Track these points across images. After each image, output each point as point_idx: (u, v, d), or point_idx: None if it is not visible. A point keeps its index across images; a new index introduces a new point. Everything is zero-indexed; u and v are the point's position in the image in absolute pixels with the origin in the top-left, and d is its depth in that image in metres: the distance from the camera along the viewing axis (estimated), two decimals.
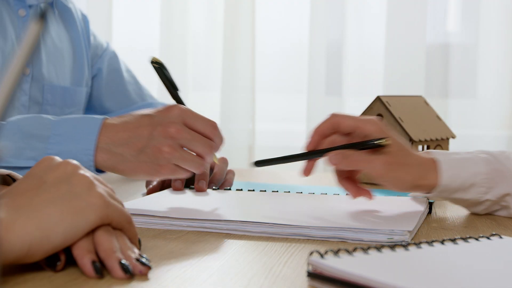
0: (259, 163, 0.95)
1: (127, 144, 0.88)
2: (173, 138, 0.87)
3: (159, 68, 0.94)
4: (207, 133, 0.89)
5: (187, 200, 0.96)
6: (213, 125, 0.90)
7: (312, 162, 0.90)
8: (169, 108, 0.90)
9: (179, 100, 0.95)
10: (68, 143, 0.89)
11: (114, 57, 1.47)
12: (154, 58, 0.93)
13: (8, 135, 0.89)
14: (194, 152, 0.88)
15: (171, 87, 0.95)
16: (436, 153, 0.89)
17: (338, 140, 0.89)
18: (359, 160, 0.84)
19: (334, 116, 0.88)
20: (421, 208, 0.88)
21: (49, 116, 0.94)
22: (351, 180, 0.90)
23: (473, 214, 0.94)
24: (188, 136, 0.88)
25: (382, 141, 0.84)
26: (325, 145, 0.89)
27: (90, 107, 1.45)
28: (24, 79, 1.25)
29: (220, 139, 0.91)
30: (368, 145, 0.85)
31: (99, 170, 0.91)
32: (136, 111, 0.93)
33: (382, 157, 0.84)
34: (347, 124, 0.87)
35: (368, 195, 0.89)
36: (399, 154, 0.85)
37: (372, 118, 0.88)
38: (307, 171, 0.90)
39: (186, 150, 0.88)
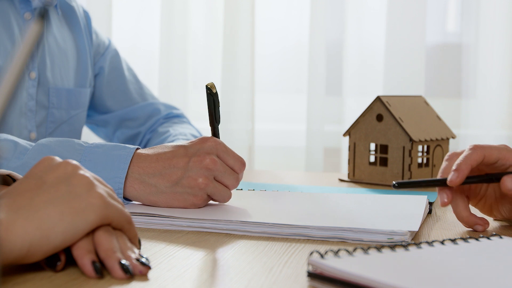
0: (400, 184, 0.88)
1: (161, 175, 0.88)
2: (208, 170, 0.87)
3: (212, 95, 0.93)
4: (235, 169, 0.91)
5: None
6: (242, 162, 0.92)
7: (451, 190, 0.85)
8: (204, 139, 0.91)
9: (215, 133, 0.95)
10: (98, 170, 0.88)
11: (116, 55, 1.47)
12: (211, 84, 0.92)
13: (38, 158, 0.88)
14: (224, 185, 0.90)
15: (214, 119, 0.94)
16: None
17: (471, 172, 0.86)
18: None
19: (481, 148, 0.85)
20: (422, 208, 0.88)
21: (81, 142, 0.93)
22: (472, 213, 0.86)
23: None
24: (222, 168, 0.89)
25: None
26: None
27: (92, 106, 1.45)
28: (30, 83, 1.26)
29: (242, 175, 0.93)
30: None
31: (127, 199, 0.90)
32: (169, 143, 0.93)
33: None
34: (494, 156, 0.85)
35: (487, 223, 0.86)
36: None
37: (506, 146, 0.86)
38: (448, 202, 0.85)
39: (218, 182, 0.89)
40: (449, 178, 0.83)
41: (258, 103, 2.09)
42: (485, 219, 0.85)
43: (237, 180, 0.91)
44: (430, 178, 0.88)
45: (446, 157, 0.88)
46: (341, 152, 2.09)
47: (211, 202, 0.93)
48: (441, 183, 0.85)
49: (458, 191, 0.85)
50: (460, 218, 0.85)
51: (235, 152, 0.92)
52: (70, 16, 1.37)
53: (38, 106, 1.27)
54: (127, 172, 0.88)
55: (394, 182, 0.87)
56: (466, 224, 0.85)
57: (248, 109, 2.07)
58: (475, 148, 0.85)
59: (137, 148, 0.91)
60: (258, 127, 2.10)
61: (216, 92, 0.93)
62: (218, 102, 0.94)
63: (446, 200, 0.85)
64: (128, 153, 0.89)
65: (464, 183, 0.84)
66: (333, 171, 2.11)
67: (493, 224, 0.88)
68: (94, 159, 0.90)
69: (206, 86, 0.92)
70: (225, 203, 0.92)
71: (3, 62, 1.19)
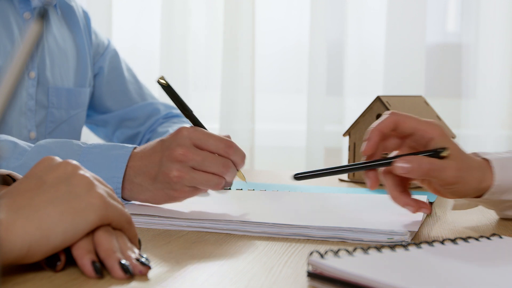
0: (299, 176, 0.84)
1: (144, 173, 0.87)
2: (181, 162, 0.84)
3: (166, 88, 0.90)
4: (220, 152, 0.86)
5: (188, 200, 0.96)
6: (227, 143, 0.86)
7: (374, 172, 0.82)
8: (178, 130, 0.87)
9: (195, 121, 0.92)
10: (96, 170, 0.85)
11: (115, 55, 1.47)
12: (160, 77, 0.89)
13: (37, 159, 0.88)
14: (209, 172, 0.85)
15: (184, 108, 0.92)
16: (482, 153, 0.85)
17: (396, 143, 0.84)
18: (432, 169, 0.78)
19: (395, 114, 0.82)
20: None
21: (80, 142, 0.92)
22: (406, 193, 0.84)
23: (473, 215, 0.93)
24: (198, 157, 0.85)
25: (445, 153, 0.79)
26: (380, 150, 0.83)
27: (91, 106, 1.45)
28: (30, 83, 1.26)
29: (239, 155, 0.88)
30: (431, 155, 0.79)
31: (125, 199, 0.89)
32: (156, 139, 0.90)
33: (453, 164, 0.79)
34: (409, 125, 0.81)
35: (429, 208, 0.83)
36: (463, 159, 0.81)
37: (432, 121, 0.83)
38: (374, 184, 0.82)
39: (198, 172, 0.85)
40: (361, 148, 0.81)
41: (259, 103, 2.09)
42: (423, 202, 0.82)
43: (224, 165, 0.86)
44: (335, 167, 0.82)
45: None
46: (341, 152, 2.09)
47: (211, 199, 0.93)
48: (344, 170, 0.83)
49: (387, 170, 0.82)
50: (391, 197, 0.83)
51: (217, 135, 0.87)
52: (69, 16, 1.37)
53: (38, 105, 1.27)
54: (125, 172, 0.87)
55: (294, 174, 0.83)
56: (398, 204, 0.82)
57: (249, 109, 2.07)
58: (390, 114, 0.82)
59: (135, 147, 0.91)
60: (259, 127, 2.10)
61: (168, 83, 0.89)
62: (175, 92, 0.90)
63: (370, 183, 0.82)
64: (126, 152, 0.89)
65: (363, 167, 0.81)
66: None
67: (493, 224, 0.88)
68: (92, 159, 0.89)
69: (158, 82, 0.89)
70: (225, 203, 0.92)
71: (3, 62, 1.19)
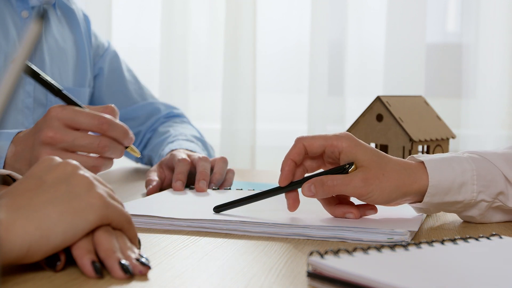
0: (219, 208, 0.84)
1: (21, 158, 0.82)
2: (50, 145, 0.79)
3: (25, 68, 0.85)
4: (95, 130, 0.80)
5: (188, 200, 0.96)
6: (101, 120, 0.80)
7: (293, 195, 0.83)
8: (47, 111, 0.82)
9: (67, 99, 0.84)
10: None
11: (115, 56, 1.47)
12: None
13: None
14: (85, 153, 0.80)
15: (48, 86, 0.83)
16: (417, 156, 0.84)
17: (316, 163, 0.84)
18: (336, 185, 0.78)
19: (301, 139, 0.82)
20: None
21: None
22: (341, 202, 0.84)
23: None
24: (67, 137, 0.79)
25: (351, 168, 0.79)
26: (300, 175, 0.83)
27: None
28: (27, 81, 1.26)
29: (118, 131, 0.81)
30: (337, 172, 0.80)
31: None
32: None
33: (360, 175, 0.78)
34: (317, 145, 0.81)
35: (373, 208, 0.83)
36: (376, 166, 0.79)
37: (342, 133, 0.82)
38: (293, 207, 0.82)
39: (71, 154, 0.80)
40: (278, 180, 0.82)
41: (260, 103, 2.10)
42: (366, 205, 0.82)
43: (100, 143, 0.80)
44: (257, 192, 0.84)
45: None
46: None
47: (211, 199, 0.92)
48: (259, 197, 0.83)
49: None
50: (329, 213, 0.83)
51: (89, 112, 0.81)
52: (70, 17, 1.37)
53: (36, 103, 1.27)
54: (5, 159, 0.82)
55: (214, 207, 0.83)
56: (337, 216, 0.82)
57: (250, 109, 2.07)
58: (295, 141, 0.82)
59: (19, 132, 0.85)
60: (260, 127, 2.10)
61: (27, 64, 0.81)
62: (36, 71, 0.82)
63: (289, 205, 0.82)
64: (8, 138, 0.84)
65: (276, 192, 0.82)
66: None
67: (493, 224, 0.88)
68: None
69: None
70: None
71: None
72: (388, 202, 0.81)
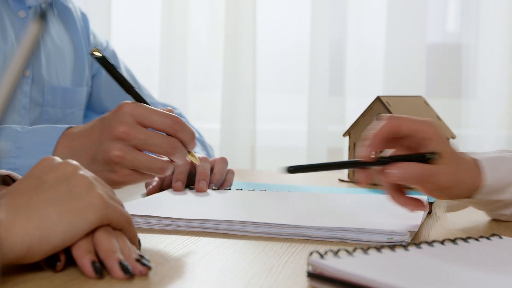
0: (293, 169, 0.78)
1: (81, 153, 0.80)
2: (122, 140, 0.77)
3: (103, 60, 0.81)
4: (166, 130, 0.79)
5: (188, 200, 0.96)
6: (174, 119, 0.79)
7: (367, 170, 0.81)
8: (120, 106, 0.80)
9: (138, 98, 0.83)
10: (28, 156, 0.81)
11: (113, 56, 1.47)
12: (95, 49, 0.80)
13: None
14: (154, 153, 0.79)
15: (125, 82, 0.84)
16: (472, 153, 0.84)
17: (392, 144, 0.83)
18: (425, 175, 0.78)
19: (393, 118, 0.81)
20: None
21: (18, 127, 0.87)
22: (402, 192, 0.83)
23: (473, 214, 0.93)
24: (141, 135, 0.77)
25: (435, 156, 0.79)
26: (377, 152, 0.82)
27: (90, 106, 1.45)
28: (24, 81, 1.25)
29: (188, 133, 0.79)
30: (417, 159, 0.79)
31: None
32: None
33: (446, 168, 0.79)
34: (407, 127, 0.80)
35: (426, 207, 0.83)
36: (457, 161, 0.80)
37: (427, 120, 0.82)
38: (364, 181, 0.80)
39: (141, 153, 0.78)
40: (360, 151, 0.80)
41: (260, 103, 2.09)
42: (420, 201, 0.82)
43: (170, 145, 0.78)
44: (328, 162, 0.83)
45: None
46: (342, 153, 2.09)
47: (211, 199, 0.92)
48: (337, 166, 0.83)
49: (384, 170, 0.81)
50: (389, 197, 0.82)
51: (161, 111, 0.80)
52: (66, 16, 1.37)
53: (33, 103, 1.27)
54: (53, 154, 0.81)
55: (287, 167, 0.77)
56: (397, 202, 0.82)
57: (250, 109, 2.07)
58: (389, 118, 0.81)
59: (70, 127, 0.84)
60: (260, 127, 2.10)
61: (103, 55, 0.82)
62: (112, 65, 0.82)
63: (361, 179, 0.80)
64: (56, 134, 0.82)
65: (357, 165, 0.80)
66: (333, 171, 2.11)
67: (493, 224, 0.88)
68: (25, 145, 0.84)
69: (91, 54, 0.81)
70: (225, 203, 0.91)
71: None
72: (459, 197, 0.82)
